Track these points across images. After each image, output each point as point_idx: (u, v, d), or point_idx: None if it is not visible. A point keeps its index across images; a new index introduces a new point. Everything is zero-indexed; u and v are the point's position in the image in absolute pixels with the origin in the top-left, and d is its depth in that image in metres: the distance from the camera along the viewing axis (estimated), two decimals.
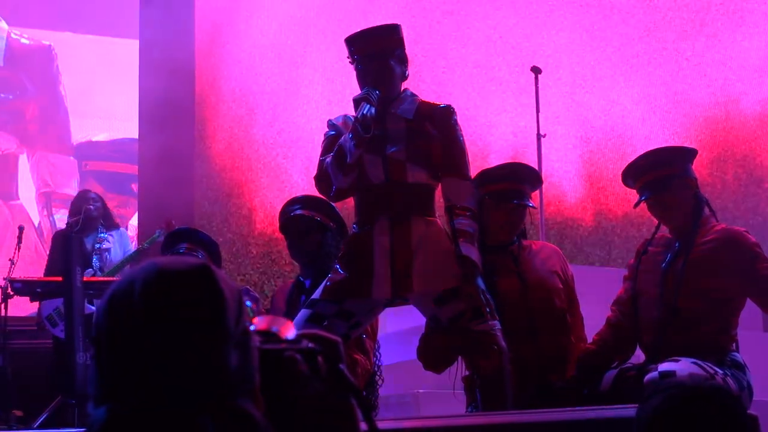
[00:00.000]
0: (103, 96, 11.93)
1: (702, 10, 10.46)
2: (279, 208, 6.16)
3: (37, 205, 12.11)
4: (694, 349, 4.94)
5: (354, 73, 5.31)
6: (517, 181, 5.50)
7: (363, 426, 1.97)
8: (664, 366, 4.76)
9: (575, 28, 10.33)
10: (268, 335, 1.96)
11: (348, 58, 5.32)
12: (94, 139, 12.31)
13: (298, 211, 5.86)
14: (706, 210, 5.25)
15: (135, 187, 10.96)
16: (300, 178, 9.95)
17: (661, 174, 5.17)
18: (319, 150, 5.34)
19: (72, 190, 11.73)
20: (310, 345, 1.95)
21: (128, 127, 11.28)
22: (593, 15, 10.33)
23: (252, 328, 1.93)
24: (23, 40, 11.87)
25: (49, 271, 8.06)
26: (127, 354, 1.82)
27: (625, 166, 5.35)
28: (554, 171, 9.57)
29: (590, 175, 10.13)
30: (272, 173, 10.23)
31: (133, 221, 11.08)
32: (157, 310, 1.82)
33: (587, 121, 10.17)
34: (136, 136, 10.56)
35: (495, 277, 5.34)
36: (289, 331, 1.99)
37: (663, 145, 5.75)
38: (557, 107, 9.79)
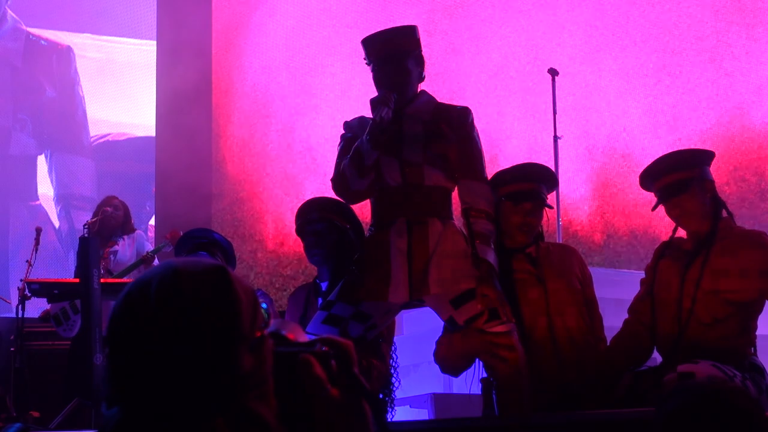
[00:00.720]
0: (122, 98, 11.94)
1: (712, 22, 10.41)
2: (290, 217, 6.16)
3: (56, 206, 12.12)
4: (713, 352, 4.91)
5: (370, 75, 5.30)
6: (532, 181, 5.47)
7: (375, 428, 1.97)
8: (683, 367, 4.73)
9: (589, 35, 10.31)
10: (280, 338, 1.96)
11: (364, 59, 5.31)
12: (112, 139, 12.32)
13: (315, 214, 5.84)
14: (724, 213, 5.22)
15: (153, 187, 10.97)
16: (312, 187, 9.95)
17: (680, 177, 5.15)
18: (333, 157, 5.32)
19: (90, 191, 11.74)
20: (324, 348, 1.95)
21: (146, 129, 11.28)
22: (606, 22, 10.29)
23: (266, 331, 1.93)
24: (42, 42, 11.88)
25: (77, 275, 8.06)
26: (140, 354, 1.82)
27: (643, 170, 5.32)
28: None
29: (597, 192, 10.08)
30: (284, 182, 10.23)
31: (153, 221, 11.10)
32: (172, 310, 1.83)
33: (594, 132, 10.14)
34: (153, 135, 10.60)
35: (514, 280, 5.31)
36: (300, 335, 2.00)
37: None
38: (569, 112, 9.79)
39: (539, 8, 10.32)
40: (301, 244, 5.95)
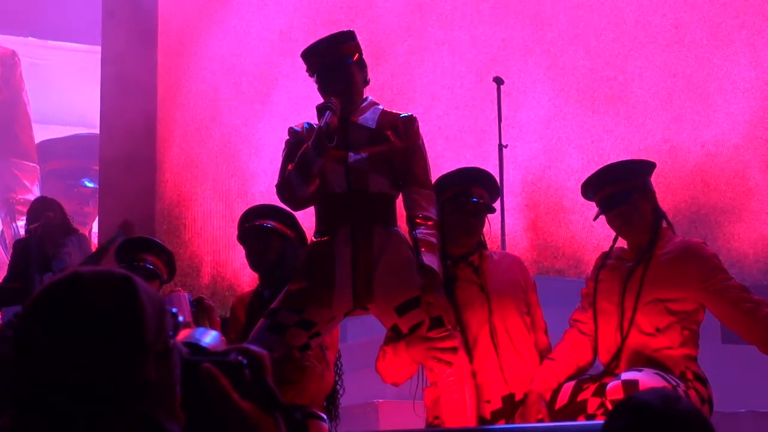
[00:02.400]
0: (66, 102, 11.85)
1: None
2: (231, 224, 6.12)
3: (0, 212, 12.02)
4: (655, 362, 4.92)
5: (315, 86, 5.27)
6: (473, 183, 5.46)
7: None
8: (626, 375, 4.74)
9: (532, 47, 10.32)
10: (196, 348, 1.94)
11: (307, 71, 5.27)
12: (56, 140, 12.23)
13: (257, 221, 5.80)
14: (664, 223, 5.25)
15: (96, 182, 10.89)
16: (257, 192, 9.92)
17: (621, 187, 5.17)
18: (277, 165, 5.28)
19: (34, 196, 11.63)
20: (239, 358, 1.93)
21: (90, 130, 11.21)
22: (556, 44, 10.27)
23: (179, 340, 1.91)
24: None
25: (8, 279, 7.97)
26: (43, 361, 1.79)
27: (584, 180, 5.34)
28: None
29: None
30: (228, 187, 10.20)
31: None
32: (73, 317, 1.80)
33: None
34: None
35: (456, 288, 5.30)
36: (219, 344, 1.97)
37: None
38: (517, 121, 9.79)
39: (485, 19, 10.33)
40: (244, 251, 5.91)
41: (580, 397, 4.96)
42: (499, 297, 5.30)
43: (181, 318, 1.95)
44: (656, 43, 10.11)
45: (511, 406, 5.18)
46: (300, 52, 5.31)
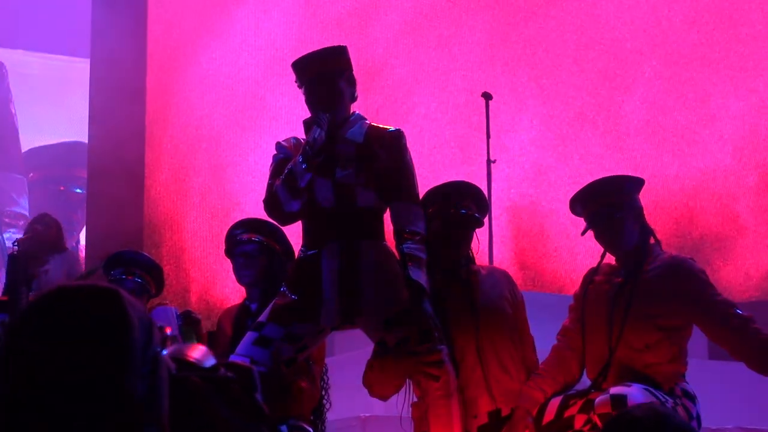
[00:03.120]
0: (55, 114, 11.85)
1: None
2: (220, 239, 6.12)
3: None
4: (644, 378, 4.93)
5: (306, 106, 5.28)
6: (461, 196, 5.48)
7: None
8: (615, 390, 4.75)
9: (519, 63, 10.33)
10: (183, 363, 1.94)
11: (296, 82, 5.28)
12: (43, 150, 12.21)
13: (244, 236, 5.80)
14: (652, 239, 5.26)
15: (83, 191, 10.88)
16: (246, 208, 9.92)
17: (609, 203, 5.18)
18: (265, 182, 5.28)
19: (21, 208, 11.64)
20: (227, 373, 1.94)
21: (79, 139, 11.20)
22: (543, 61, 10.28)
23: (166, 354, 1.91)
24: None
25: (5, 291, 7.94)
26: (27, 380, 1.78)
27: (573, 195, 5.35)
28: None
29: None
30: (216, 200, 10.20)
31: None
32: (59, 332, 1.79)
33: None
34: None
35: (444, 302, 5.30)
36: (206, 359, 1.98)
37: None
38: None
39: (473, 34, 10.35)
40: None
41: (566, 413, 4.96)
42: (487, 312, 5.30)
43: (168, 332, 1.96)
44: (645, 66, 10.13)
45: (498, 422, 5.18)
46: (290, 67, 5.33)
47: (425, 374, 5.01)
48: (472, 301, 5.32)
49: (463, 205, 5.43)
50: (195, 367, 1.94)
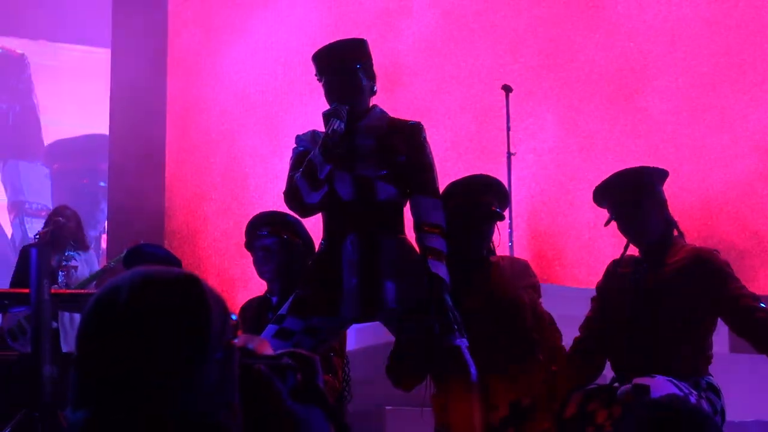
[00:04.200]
0: (76, 104, 11.88)
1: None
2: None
3: (9, 214, 12.05)
4: (667, 371, 4.92)
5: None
6: (482, 190, 5.48)
7: None
8: (639, 380, 4.75)
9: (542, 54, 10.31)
10: (246, 351, 1.96)
11: (315, 75, 5.29)
12: (66, 142, 12.25)
13: (264, 229, 5.82)
14: (675, 231, 5.25)
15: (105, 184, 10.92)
16: (267, 201, 9.94)
17: (633, 194, 5.17)
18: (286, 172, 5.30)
19: (44, 199, 11.68)
20: (289, 361, 1.96)
21: (101, 131, 11.23)
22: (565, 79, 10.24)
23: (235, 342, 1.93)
24: None
25: (14, 284, 7.97)
26: (108, 360, 1.80)
27: (596, 186, 5.34)
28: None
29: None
30: (237, 192, 10.23)
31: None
32: (141, 316, 1.81)
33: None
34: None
35: (463, 294, 5.30)
36: (265, 348, 2.00)
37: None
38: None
39: (495, 26, 10.33)
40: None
41: (589, 408, 4.96)
42: (507, 303, 5.31)
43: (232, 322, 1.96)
44: (663, 76, 10.09)
45: (519, 413, 5.19)
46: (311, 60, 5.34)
47: (446, 371, 5.02)
48: (491, 292, 5.32)
49: (485, 199, 5.43)
50: (257, 356, 1.96)
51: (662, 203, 5.24)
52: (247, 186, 10.35)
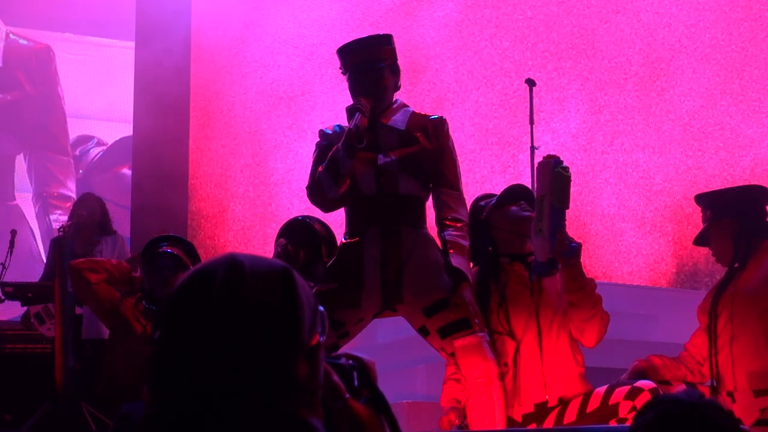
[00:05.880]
0: (102, 97, 11.93)
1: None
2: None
3: (33, 206, 12.09)
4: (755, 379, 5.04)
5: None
6: (519, 196, 5.46)
7: None
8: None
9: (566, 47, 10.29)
10: None
11: (340, 69, 5.31)
12: (92, 137, 12.29)
13: (290, 247, 5.91)
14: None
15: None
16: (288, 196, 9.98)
17: (704, 223, 5.44)
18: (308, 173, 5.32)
19: (69, 191, 11.71)
20: (350, 362, 1.96)
21: (126, 128, 11.27)
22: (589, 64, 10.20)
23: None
24: (21, 41, 11.85)
25: (45, 277, 8.02)
26: (197, 346, 1.79)
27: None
28: None
29: None
30: (260, 187, 10.26)
31: None
32: (236, 306, 1.79)
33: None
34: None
35: (507, 286, 5.27)
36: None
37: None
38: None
39: (519, 23, 10.32)
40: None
41: (611, 401, 4.97)
42: (548, 303, 5.24)
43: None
44: (689, 59, 10.06)
45: (542, 412, 5.18)
46: (335, 54, 5.36)
47: (465, 367, 5.03)
48: (535, 291, 5.26)
49: (522, 204, 5.41)
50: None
51: (727, 223, 5.44)
52: (269, 179, 10.37)
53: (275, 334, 1.80)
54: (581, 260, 5.14)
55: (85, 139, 12.20)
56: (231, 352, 1.78)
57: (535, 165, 5.19)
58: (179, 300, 1.84)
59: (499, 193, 5.46)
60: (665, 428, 2.55)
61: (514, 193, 5.41)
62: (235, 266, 1.84)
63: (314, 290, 5.17)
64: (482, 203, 5.45)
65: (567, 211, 5.08)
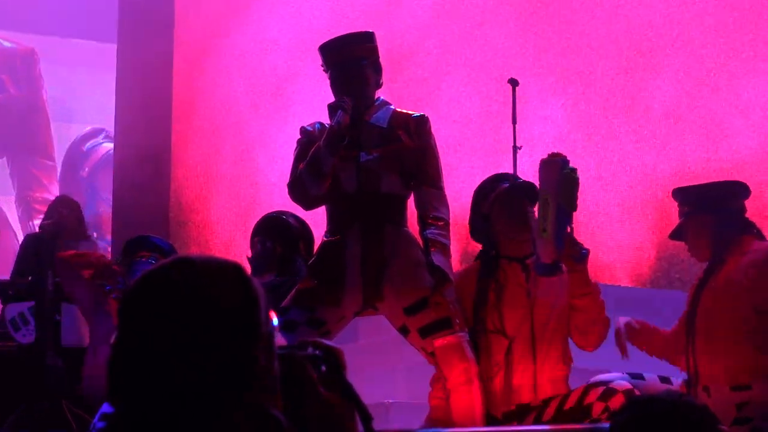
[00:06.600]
0: (86, 100, 11.92)
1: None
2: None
3: (17, 209, 12.08)
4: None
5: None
6: (523, 195, 5.43)
7: None
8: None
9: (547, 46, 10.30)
10: None
11: (322, 66, 5.31)
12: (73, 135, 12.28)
13: (268, 243, 5.92)
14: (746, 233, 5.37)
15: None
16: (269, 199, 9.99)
17: (679, 219, 5.44)
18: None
19: (52, 195, 11.68)
20: (316, 352, 1.98)
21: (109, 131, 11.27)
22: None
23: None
24: (5, 43, 11.84)
25: (16, 273, 7.98)
26: (155, 346, 1.81)
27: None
28: None
29: None
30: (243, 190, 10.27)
31: None
32: (192, 304, 1.83)
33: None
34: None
35: (503, 287, 5.25)
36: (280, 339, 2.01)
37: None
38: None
39: (501, 21, 10.33)
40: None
41: (586, 401, 4.98)
42: (544, 305, 5.21)
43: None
44: (672, 52, 10.06)
45: (523, 410, 5.18)
46: (317, 51, 5.36)
47: (446, 365, 5.03)
48: (531, 291, 5.24)
49: (525, 205, 5.39)
50: (283, 345, 1.98)
51: (705, 218, 5.43)
52: (254, 174, 10.36)
53: (237, 331, 1.83)
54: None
55: (95, 133, 12.20)
56: (195, 351, 1.81)
57: (538, 164, 5.17)
58: (135, 304, 1.87)
59: (507, 183, 5.45)
60: (646, 428, 2.55)
61: (521, 190, 5.39)
62: (187, 266, 1.87)
63: (295, 288, 5.18)
64: (488, 191, 5.40)
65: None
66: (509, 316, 5.18)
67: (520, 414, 5.16)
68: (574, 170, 5.07)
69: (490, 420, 5.12)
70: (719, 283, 5.20)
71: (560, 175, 5.00)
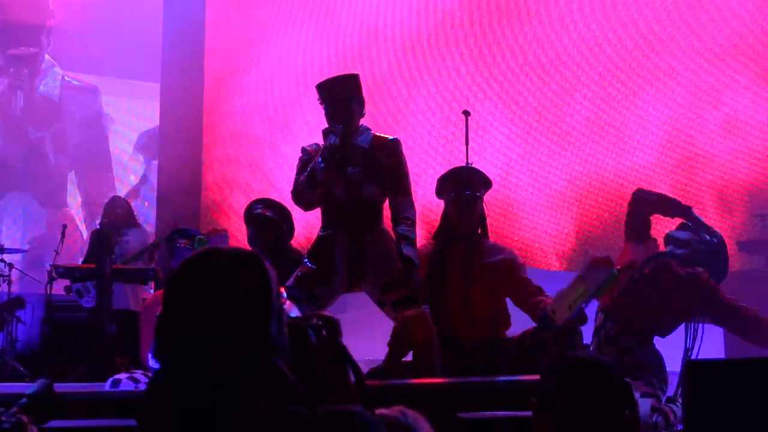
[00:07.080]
0: (137, 128, 11.90)
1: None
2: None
3: (82, 212, 12.04)
4: None
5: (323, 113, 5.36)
6: (466, 179, 5.47)
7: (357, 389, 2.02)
8: None
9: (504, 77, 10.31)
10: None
11: (318, 100, 5.36)
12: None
13: (259, 210, 5.98)
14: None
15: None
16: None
17: None
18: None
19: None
20: (318, 321, 2.00)
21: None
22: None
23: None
24: (74, 82, 11.82)
25: (86, 260, 8.03)
26: (193, 319, 1.83)
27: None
28: None
29: None
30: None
31: None
32: (224, 283, 1.85)
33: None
34: None
35: (448, 259, 5.32)
36: (292, 310, 2.04)
37: None
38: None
39: (456, 61, 10.34)
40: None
41: (540, 337, 5.02)
42: (483, 270, 5.32)
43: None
44: (587, 84, 10.08)
45: (478, 360, 5.22)
46: (314, 88, 5.40)
47: (413, 331, 5.07)
48: (469, 259, 5.32)
49: (469, 186, 5.44)
50: (293, 316, 2.00)
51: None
52: (266, 180, 10.37)
53: (255, 300, 1.86)
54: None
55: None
56: (221, 317, 1.83)
57: (589, 261, 4.86)
58: (178, 284, 1.88)
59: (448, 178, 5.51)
60: (572, 384, 2.47)
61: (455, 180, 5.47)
62: (221, 252, 1.90)
63: (298, 271, 5.22)
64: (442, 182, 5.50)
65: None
66: (451, 278, 5.30)
67: (475, 364, 5.20)
68: (617, 274, 4.78)
69: (455, 343, 5.20)
70: None
71: (606, 280, 4.71)
